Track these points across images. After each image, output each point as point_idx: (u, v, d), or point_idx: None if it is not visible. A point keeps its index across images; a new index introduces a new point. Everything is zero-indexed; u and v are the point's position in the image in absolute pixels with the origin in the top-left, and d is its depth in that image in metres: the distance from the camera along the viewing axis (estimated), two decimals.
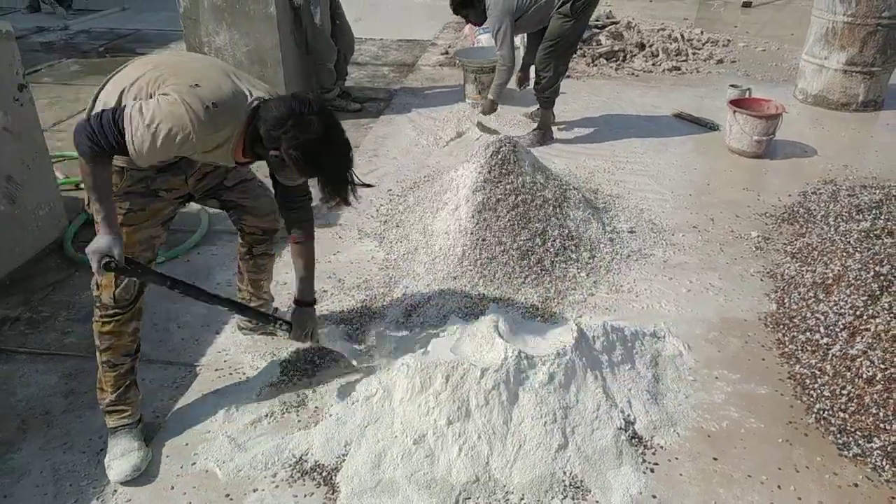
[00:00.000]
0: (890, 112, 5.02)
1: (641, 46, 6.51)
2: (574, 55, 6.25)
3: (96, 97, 1.90)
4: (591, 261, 3.07)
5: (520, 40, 5.31)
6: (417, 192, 3.48)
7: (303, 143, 1.73)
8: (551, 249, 3.02)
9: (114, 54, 6.67)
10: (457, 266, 2.95)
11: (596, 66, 6.26)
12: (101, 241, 1.81)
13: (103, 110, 1.76)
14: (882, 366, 2.23)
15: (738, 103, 4.33)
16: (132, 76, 1.85)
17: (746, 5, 8.71)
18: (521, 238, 3.00)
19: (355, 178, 1.92)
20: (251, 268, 2.47)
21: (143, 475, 1.98)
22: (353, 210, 3.59)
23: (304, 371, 2.40)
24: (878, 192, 3.62)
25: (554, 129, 4.62)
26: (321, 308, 2.78)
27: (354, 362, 2.31)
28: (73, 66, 6.30)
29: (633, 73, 6.08)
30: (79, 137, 1.73)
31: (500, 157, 3.12)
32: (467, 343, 2.15)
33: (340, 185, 1.87)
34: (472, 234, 2.98)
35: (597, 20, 7.69)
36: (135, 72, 1.87)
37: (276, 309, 2.67)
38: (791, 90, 5.37)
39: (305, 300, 2.27)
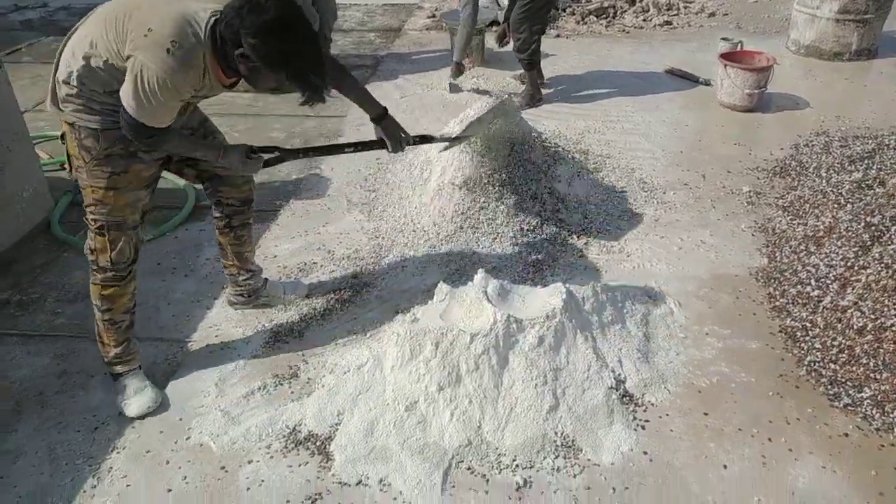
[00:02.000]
0: (884, 60, 4.95)
1: (632, 2, 6.38)
2: (559, 14, 6.17)
3: (58, 61, 1.89)
4: (581, 221, 3.05)
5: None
6: (406, 159, 3.44)
7: (260, 28, 1.69)
8: (541, 212, 3.00)
9: None
10: (445, 233, 2.93)
11: (586, 23, 6.14)
12: (231, 152, 2.04)
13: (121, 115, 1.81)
14: (872, 316, 2.23)
15: (728, 57, 4.25)
16: (90, 37, 1.82)
17: None
18: (510, 201, 2.98)
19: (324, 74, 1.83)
20: (232, 241, 2.45)
21: (138, 449, 1.99)
22: (341, 179, 3.58)
23: (294, 341, 2.41)
24: (870, 141, 3.59)
25: (543, 90, 4.56)
26: (311, 277, 2.78)
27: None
28: (54, 45, 6.16)
29: (623, 30, 5.97)
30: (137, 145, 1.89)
31: (489, 116, 3.07)
32: (457, 309, 2.14)
33: (308, 73, 1.78)
34: (460, 199, 2.96)
35: None
36: (90, 32, 1.83)
37: (267, 280, 2.66)
38: (784, 41, 5.28)
39: (378, 113, 2.31)
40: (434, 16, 6.62)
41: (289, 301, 2.63)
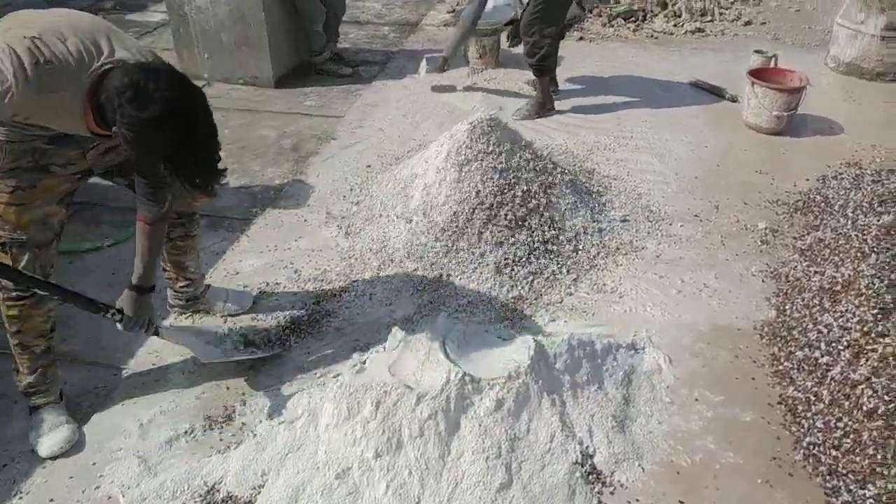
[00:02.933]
0: None
1: (664, 5, 6.00)
2: (585, 15, 5.84)
3: None
4: (573, 254, 2.78)
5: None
6: (391, 172, 3.20)
7: (137, 124, 1.49)
8: (530, 241, 2.74)
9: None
10: (423, 257, 2.70)
11: (613, 26, 5.80)
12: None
13: None
14: (886, 397, 1.93)
15: (757, 74, 3.91)
16: None
17: None
18: (496, 229, 2.73)
19: (214, 175, 1.61)
20: (171, 250, 2.30)
21: (41, 496, 1.81)
22: (325, 188, 3.36)
23: (237, 376, 2.20)
24: None
25: (556, 98, 4.27)
26: (272, 302, 2.57)
27: (203, 360, 2.12)
28: None
29: (652, 35, 5.62)
30: None
31: (475, 136, 2.82)
32: (409, 359, 1.91)
33: (191, 167, 1.57)
34: (440, 224, 2.72)
35: None
36: None
37: (209, 286, 2.50)
38: (823, 56, 4.88)
39: (143, 285, 1.96)
40: (454, 11, 6.34)
41: (229, 311, 2.46)
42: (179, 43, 4.64)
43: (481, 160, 2.79)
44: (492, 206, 2.75)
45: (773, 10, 6.12)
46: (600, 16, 5.89)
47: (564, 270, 2.71)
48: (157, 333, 2.10)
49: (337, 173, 3.50)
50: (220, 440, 1.95)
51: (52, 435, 1.94)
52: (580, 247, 2.82)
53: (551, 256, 2.74)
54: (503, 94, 4.48)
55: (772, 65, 4.19)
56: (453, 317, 2.45)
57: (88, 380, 2.19)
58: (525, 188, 2.83)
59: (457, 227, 2.71)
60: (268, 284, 2.67)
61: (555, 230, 2.81)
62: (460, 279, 2.62)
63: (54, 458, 1.91)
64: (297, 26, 4.70)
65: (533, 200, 2.82)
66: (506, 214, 2.75)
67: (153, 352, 2.32)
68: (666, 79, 4.70)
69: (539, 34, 3.85)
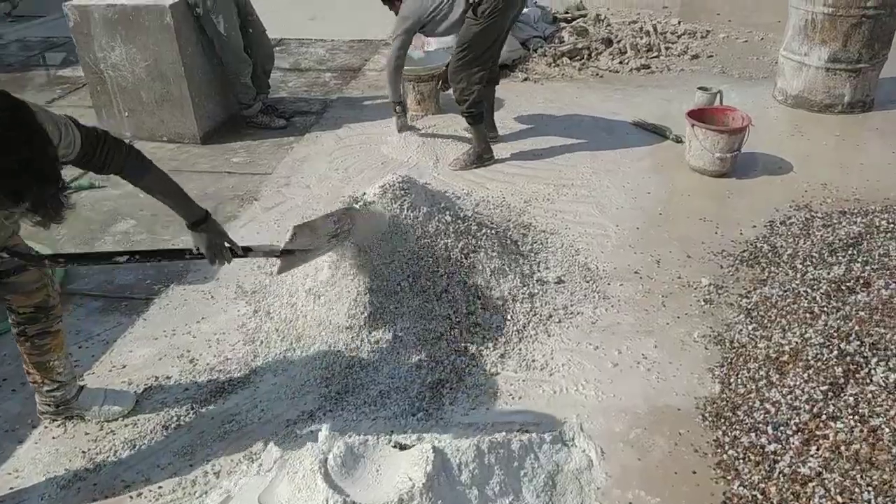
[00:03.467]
0: (880, 114, 4.42)
1: (608, 42, 5.91)
2: (530, 55, 5.71)
3: None
4: (501, 326, 2.53)
5: (435, 42, 4.93)
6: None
7: None
8: (451, 314, 2.49)
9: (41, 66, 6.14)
10: (333, 339, 2.43)
11: (558, 65, 5.66)
12: None
13: None
14: (839, 498, 1.69)
15: (699, 114, 3.75)
16: None
17: None
18: (413, 302, 2.47)
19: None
20: (30, 350, 2.02)
21: None
22: (240, 260, 3.08)
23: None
24: (859, 220, 3.06)
25: (495, 144, 4.08)
26: (156, 401, 2.27)
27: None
28: None
29: (597, 74, 5.49)
30: None
31: (385, 201, 2.58)
32: (284, 486, 1.62)
33: (20, 193, 1.40)
34: (350, 301, 2.45)
35: (565, 12, 7.10)
36: None
37: (82, 388, 2.21)
38: (770, 89, 4.77)
39: (193, 221, 1.92)
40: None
41: (105, 416, 2.18)
42: (98, 101, 4.38)
43: (394, 227, 2.54)
44: (408, 277, 2.50)
45: (720, 42, 6.06)
46: (545, 55, 5.76)
47: (490, 346, 2.45)
48: (245, 254, 2.11)
49: (254, 240, 3.23)
50: None
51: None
52: (508, 316, 2.57)
53: (475, 330, 2.49)
54: (442, 140, 4.27)
55: (717, 102, 4.05)
56: (360, 411, 2.18)
57: None
58: (445, 255, 2.58)
59: (368, 303, 2.45)
60: (157, 378, 2.37)
61: (479, 300, 2.57)
62: (373, 364, 2.35)
63: None
64: (225, 79, 4.48)
65: (454, 268, 2.58)
66: (423, 287, 2.50)
67: (14, 470, 2.00)
68: (610, 118, 4.54)
69: (467, 80, 3.67)
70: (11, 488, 1.96)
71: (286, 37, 6.86)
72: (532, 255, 2.96)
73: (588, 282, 2.83)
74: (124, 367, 2.44)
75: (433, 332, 2.43)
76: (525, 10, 6.10)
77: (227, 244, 2.01)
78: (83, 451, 2.08)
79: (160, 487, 1.94)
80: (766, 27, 6.36)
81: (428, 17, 3.84)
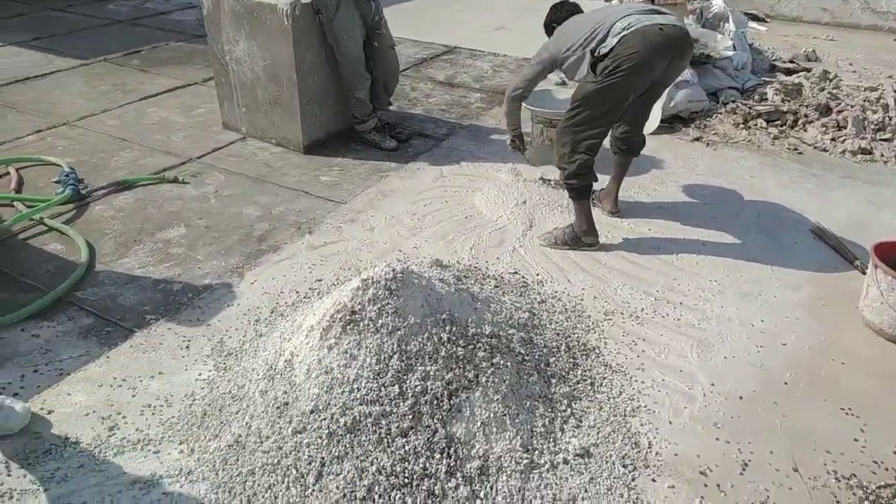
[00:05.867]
0: None
1: (826, 110, 4.63)
2: (715, 107, 4.67)
3: None
4: None
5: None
6: (296, 315, 2.46)
7: None
8: (394, 471, 1.85)
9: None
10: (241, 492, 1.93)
11: (748, 128, 4.56)
12: None
13: None
14: None
15: (892, 249, 2.61)
16: None
17: None
18: (359, 449, 1.87)
19: None
20: None
21: None
22: (245, 305, 2.72)
23: None
24: None
25: (615, 218, 3.30)
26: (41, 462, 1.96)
27: None
28: (167, 54, 6.13)
29: (795, 149, 4.30)
30: None
31: (364, 301, 2.00)
32: None
33: None
34: (290, 427, 1.93)
35: (790, 61, 5.83)
36: None
37: None
38: None
39: None
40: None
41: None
42: (221, 92, 4.34)
43: (359, 340, 1.96)
44: (363, 415, 1.90)
45: None
46: (734, 112, 4.67)
47: None
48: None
49: (274, 285, 2.85)
50: None
51: None
52: (480, 493, 1.87)
53: (431, 502, 1.83)
54: (551, 203, 3.55)
55: None
56: None
57: None
58: (419, 387, 1.95)
59: (302, 440, 1.90)
60: (66, 441, 2.06)
61: (447, 459, 1.90)
62: None
63: None
64: (342, 91, 4.18)
65: (425, 409, 1.93)
66: (378, 429, 1.89)
67: None
68: (783, 214, 3.47)
69: (571, 145, 2.93)
70: None
71: (461, 45, 6.50)
72: (566, 401, 2.19)
73: (625, 468, 2.01)
74: (51, 412, 2.17)
75: (360, 487, 1.82)
76: (728, 53, 5.06)
77: None
78: None
79: None
80: None
81: (563, 55, 3.19)
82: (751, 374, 2.41)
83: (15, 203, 3.36)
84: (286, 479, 1.82)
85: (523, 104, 3.45)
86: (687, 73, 4.68)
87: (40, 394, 2.25)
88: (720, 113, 4.71)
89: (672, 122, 4.59)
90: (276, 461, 1.86)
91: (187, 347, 2.48)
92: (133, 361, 2.40)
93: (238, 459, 1.90)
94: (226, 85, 4.27)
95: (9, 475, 1.93)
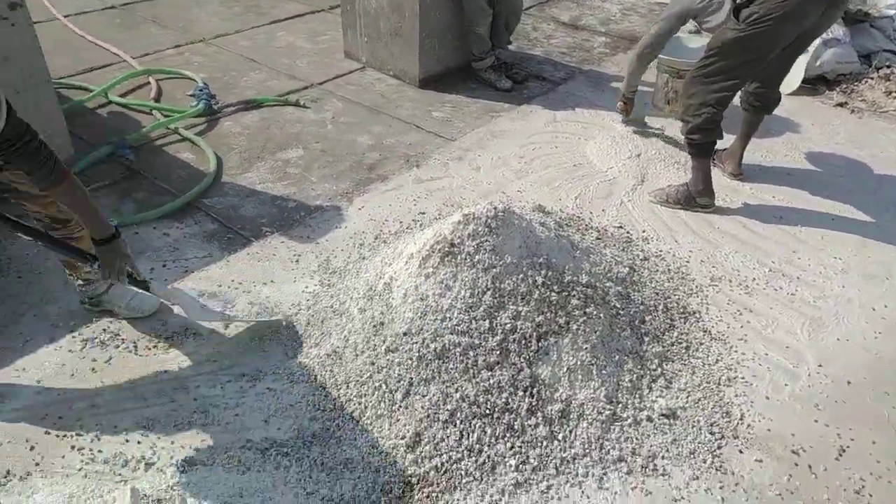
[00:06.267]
0: None
1: None
2: (870, 71, 4.23)
3: None
4: (543, 443, 1.87)
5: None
6: (405, 241, 2.52)
7: None
8: (476, 400, 1.91)
9: None
10: (340, 378, 2.05)
11: None
12: None
13: None
14: None
15: None
16: None
17: None
18: (444, 372, 1.94)
19: None
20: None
21: None
22: (351, 228, 2.83)
23: None
24: None
25: (736, 181, 3.14)
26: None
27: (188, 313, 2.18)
28: None
29: None
30: None
31: (463, 235, 2.02)
32: None
33: None
34: (385, 343, 2.02)
35: None
36: None
37: (112, 285, 2.27)
38: None
39: (98, 238, 1.90)
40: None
41: (132, 313, 2.28)
42: (346, 20, 4.41)
43: (455, 272, 1.99)
44: (453, 344, 1.96)
45: None
46: (889, 79, 4.21)
47: (510, 464, 1.84)
48: (145, 287, 2.11)
49: (379, 213, 2.94)
50: None
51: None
52: (559, 435, 1.90)
53: (510, 436, 1.88)
54: (666, 159, 3.41)
55: None
56: (306, 475, 1.79)
57: None
58: (508, 325, 1.97)
59: (393, 358, 1.99)
60: (186, 331, 2.27)
61: (531, 398, 1.93)
62: (361, 427, 1.93)
63: None
64: (463, 26, 4.13)
65: (512, 346, 1.96)
66: (466, 359, 1.94)
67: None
68: None
69: (701, 96, 2.76)
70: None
71: None
72: (657, 360, 2.15)
73: (712, 435, 1.96)
74: (175, 304, 2.40)
75: (443, 411, 1.89)
76: (891, 11, 4.53)
77: (129, 268, 1.98)
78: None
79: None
80: None
81: (698, 4, 3.01)
82: (864, 359, 2.25)
83: (153, 112, 3.63)
84: (376, 393, 1.93)
85: None
86: (839, 31, 4.26)
87: (167, 287, 2.48)
88: (871, 78, 4.27)
89: (815, 84, 4.22)
90: (368, 375, 1.97)
91: (297, 261, 2.63)
92: (249, 268, 2.58)
93: (334, 368, 2.03)
94: (351, 13, 4.33)
95: (136, 355, 2.16)
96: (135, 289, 2.32)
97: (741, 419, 2.02)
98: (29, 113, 2.73)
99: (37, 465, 1.79)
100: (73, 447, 1.84)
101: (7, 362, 2.11)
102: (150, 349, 2.18)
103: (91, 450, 1.83)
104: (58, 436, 1.87)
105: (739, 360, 2.23)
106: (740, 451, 1.93)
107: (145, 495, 1.66)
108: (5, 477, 1.76)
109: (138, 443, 1.85)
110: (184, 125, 3.51)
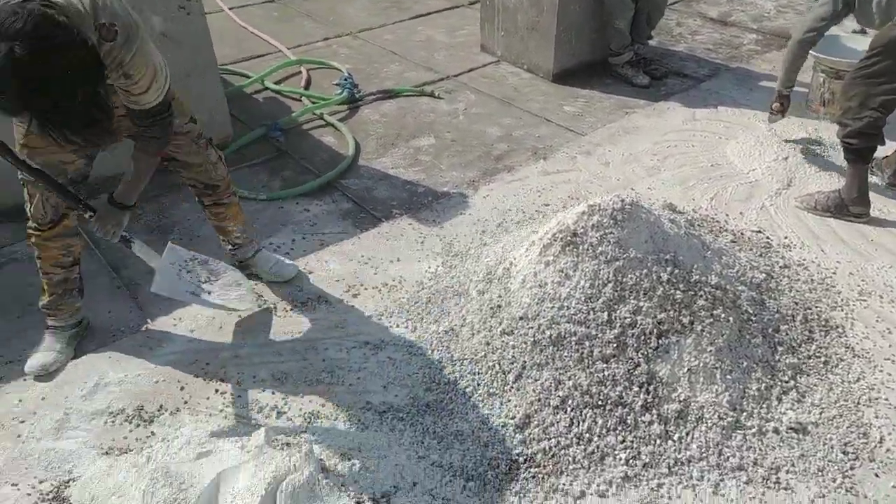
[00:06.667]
0: None
1: None
2: None
3: None
4: (656, 442, 1.83)
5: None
6: (535, 231, 2.54)
7: None
8: (590, 390, 1.90)
9: None
10: (456, 354, 2.11)
11: None
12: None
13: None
14: None
15: None
16: None
17: None
18: (558, 360, 1.95)
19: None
20: (209, 216, 2.38)
21: None
22: (475, 215, 2.89)
23: None
24: None
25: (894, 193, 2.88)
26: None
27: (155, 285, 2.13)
28: None
29: None
30: None
31: (586, 227, 2.01)
32: (243, 476, 1.51)
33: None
34: (497, 329, 2.07)
35: None
36: None
37: (259, 251, 2.50)
38: None
39: (119, 200, 1.97)
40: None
41: (273, 278, 2.48)
42: (485, 14, 4.48)
43: (576, 262, 1.99)
44: (568, 332, 1.96)
45: None
46: None
47: (620, 457, 1.81)
48: (128, 245, 2.13)
49: (504, 202, 2.98)
50: None
51: (37, 356, 2.13)
52: (675, 436, 1.84)
53: (622, 430, 1.86)
54: (818, 164, 3.17)
55: None
56: (417, 441, 1.87)
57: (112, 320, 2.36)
58: (628, 319, 1.94)
59: (508, 341, 2.02)
60: (319, 298, 2.44)
61: (647, 395, 1.89)
62: (475, 401, 1.98)
63: (37, 377, 2.10)
64: (602, 20, 4.06)
65: (630, 341, 1.93)
66: (581, 349, 1.94)
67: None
68: None
69: (861, 98, 2.55)
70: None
71: None
72: (790, 372, 2.02)
73: (845, 455, 1.82)
74: (311, 273, 2.58)
75: (555, 396, 1.90)
76: None
77: (123, 233, 2.05)
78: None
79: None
80: None
81: None
82: None
83: (302, 98, 3.90)
84: (489, 372, 1.98)
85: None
86: None
87: (304, 257, 2.68)
88: None
89: None
90: (482, 354, 2.02)
91: (422, 243, 2.74)
92: (378, 245, 2.73)
93: (451, 345, 2.10)
94: (489, 7, 4.40)
95: (276, 316, 2.36)
96: (277, 256, 2.53)
97: (880, 442, 1.86)
98: (195, 95, 3.08)
99: (185, 402, 2.02)
100: (216, 391, 2.05)
101: (166, 312, 2.37)
102: (287, 311, 2.37)
103: (232, 394, 2.03)
104: (204, 380, 2.09)
105: (884, 381, 2.04)
106: (876, 475, 1.78)
107: (276, 438, 1.81)
108: (158, 410, 1.99)
109: (272, 392, 2.03)
110: (328, 111, 3.75)
